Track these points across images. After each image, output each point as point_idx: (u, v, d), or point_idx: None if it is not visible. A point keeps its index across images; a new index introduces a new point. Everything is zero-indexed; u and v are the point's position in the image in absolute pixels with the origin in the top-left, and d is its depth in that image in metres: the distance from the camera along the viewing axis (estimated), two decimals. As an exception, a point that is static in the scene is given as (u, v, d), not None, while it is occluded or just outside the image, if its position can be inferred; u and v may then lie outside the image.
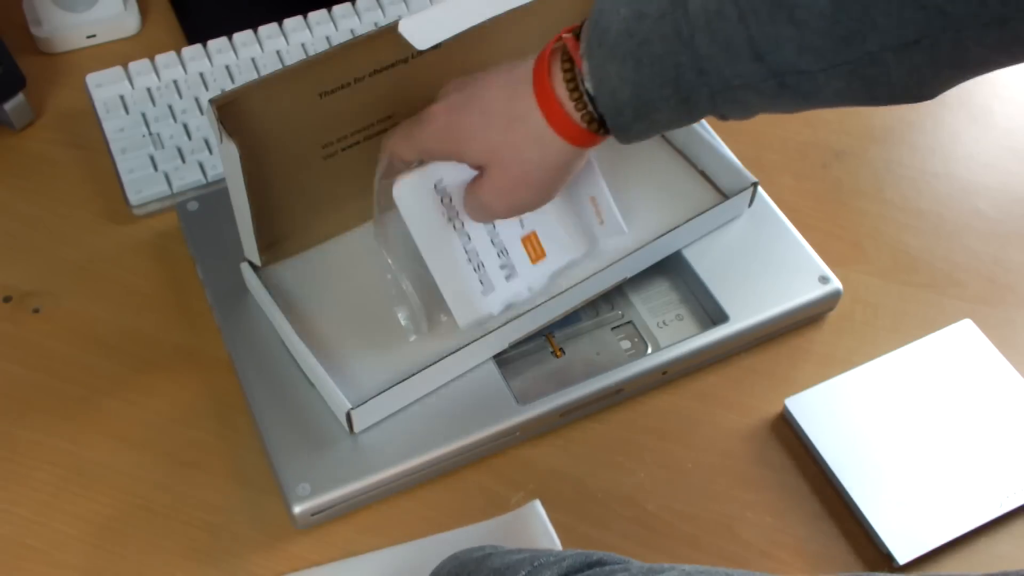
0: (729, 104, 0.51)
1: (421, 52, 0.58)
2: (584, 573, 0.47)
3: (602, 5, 0.52)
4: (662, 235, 0.67)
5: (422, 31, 0.56)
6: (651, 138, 0.56)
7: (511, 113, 0.55)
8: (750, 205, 0.71)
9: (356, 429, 0.60)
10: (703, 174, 0.72)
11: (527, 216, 0.64)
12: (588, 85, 0.52)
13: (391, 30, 0.55)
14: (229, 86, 0.79)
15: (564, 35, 0.53)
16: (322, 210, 0.66)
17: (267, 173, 0.59)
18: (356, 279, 0.66)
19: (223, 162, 0.57)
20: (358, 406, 0.59)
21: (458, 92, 0.57)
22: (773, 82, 0.49)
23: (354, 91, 0.59)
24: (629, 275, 0.67)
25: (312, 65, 0.57)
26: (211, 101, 0.53)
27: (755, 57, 0.48)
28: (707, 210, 0.69)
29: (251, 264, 0.65)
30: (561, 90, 0.53)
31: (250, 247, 0.64)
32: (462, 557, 0.51)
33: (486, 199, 0.58)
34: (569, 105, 0.53)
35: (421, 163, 0.59)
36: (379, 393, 0.60)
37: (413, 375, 0.60)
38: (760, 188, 0.73)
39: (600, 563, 0.47)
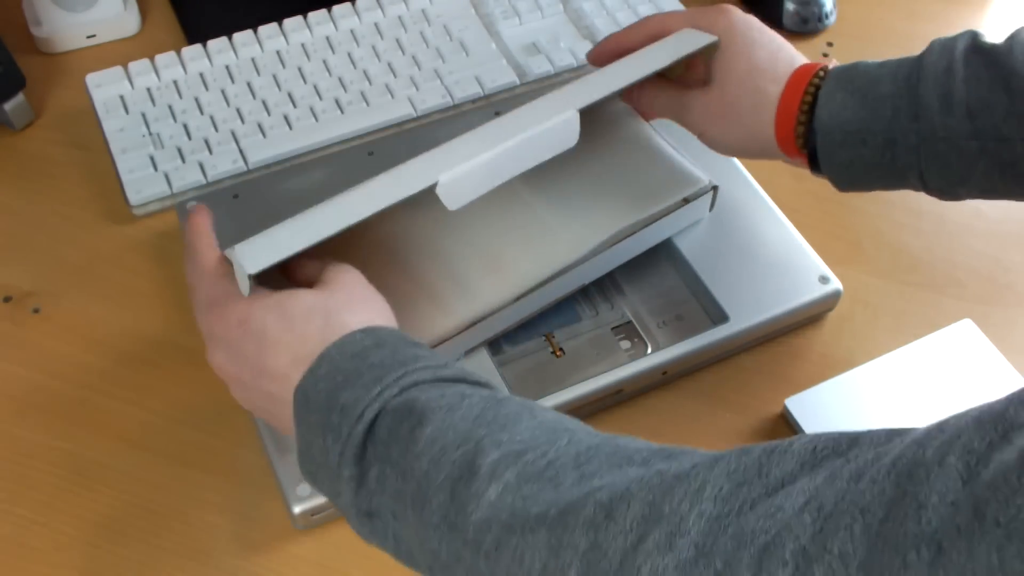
0: (931, 159, 0.56)
1: None
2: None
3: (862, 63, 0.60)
4: (609, 243, 0.66)
5: (458, 192, 0.57)
6: (845, 188, 0.62)
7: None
8: (711, 209, 0.70)
9: None
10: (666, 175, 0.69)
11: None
12: (819, 101, 0.59)
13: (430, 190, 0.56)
14: (229, 86, 0.79)
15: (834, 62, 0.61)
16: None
17: None
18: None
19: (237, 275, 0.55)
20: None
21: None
22: (975, 143, 0.55)
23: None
24: (587, 281, 0.67)
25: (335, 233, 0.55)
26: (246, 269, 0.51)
27: (967, 115, 0.55)
28: (656, 218, 0.67)
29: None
30: (797, 96, 0.60)
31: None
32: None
33: (698, 109, 0.64)
34: (794, 112, 0.60)
35: None
36: None
37: None
38: (761, 188, 0.73)
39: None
